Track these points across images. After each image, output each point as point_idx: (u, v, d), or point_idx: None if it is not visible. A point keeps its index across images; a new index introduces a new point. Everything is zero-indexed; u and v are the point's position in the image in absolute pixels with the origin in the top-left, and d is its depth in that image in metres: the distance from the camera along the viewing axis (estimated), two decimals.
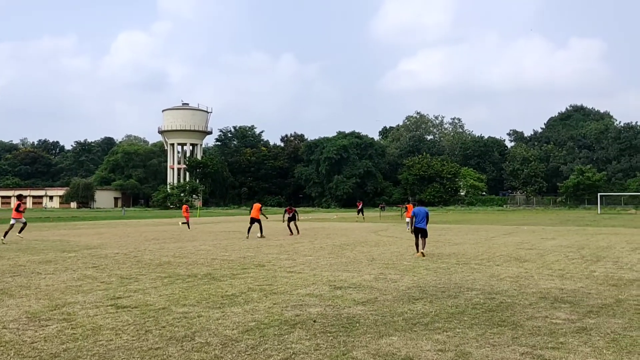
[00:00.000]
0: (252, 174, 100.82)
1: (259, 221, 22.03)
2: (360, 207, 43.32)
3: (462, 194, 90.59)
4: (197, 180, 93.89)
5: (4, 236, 19.22)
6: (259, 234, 22.36)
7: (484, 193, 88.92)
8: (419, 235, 14.96)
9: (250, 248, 17.57)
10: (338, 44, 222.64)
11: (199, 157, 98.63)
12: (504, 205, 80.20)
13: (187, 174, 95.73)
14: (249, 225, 22.56)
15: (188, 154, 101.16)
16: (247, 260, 13.96)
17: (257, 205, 22.26)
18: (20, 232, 20.66)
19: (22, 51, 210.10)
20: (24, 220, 19.96)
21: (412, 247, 17.28)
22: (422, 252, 14.73)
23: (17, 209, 19.83)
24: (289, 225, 24.17)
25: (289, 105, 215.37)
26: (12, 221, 19.89)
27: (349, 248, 17.48)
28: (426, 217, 14.93)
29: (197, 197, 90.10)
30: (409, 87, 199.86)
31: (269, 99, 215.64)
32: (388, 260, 14.11)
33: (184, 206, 26.03)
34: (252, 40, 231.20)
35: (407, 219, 25.14)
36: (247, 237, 21.79)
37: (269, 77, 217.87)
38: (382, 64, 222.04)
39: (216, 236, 23.43)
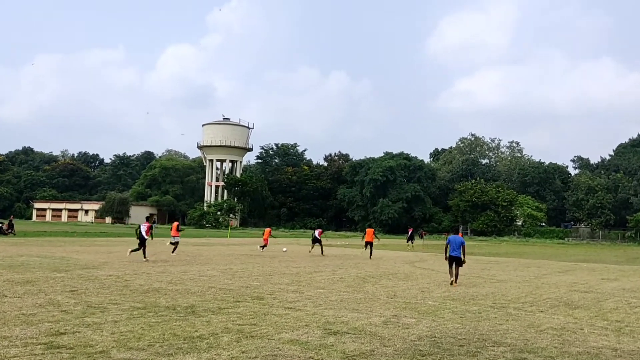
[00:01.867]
0: (292, 194, 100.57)
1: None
2: (410, 233, 42.23)
3: (518, 223, 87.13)
4: (235, 199, 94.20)
5: None
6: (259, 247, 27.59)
7: (543, 224, 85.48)
8: (453, 264, 15.76)
9: (261, 276, 16.62)
10: (391, 61, 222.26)
11: (238, 174, 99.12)
12: (565, 239, 76.64)
13: (225, 191, 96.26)
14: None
15: (227, 171, 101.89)
16: (248, 291, 12.97)
17: (267, 230, 27.48)
18: None
19: (69, 63, 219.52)
20: None
21: (445, 282, 16.52)
22: (454, 282, 15.64)
23: None
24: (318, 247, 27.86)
25: (335, 124, 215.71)
26: None
27: (373, 281, 16.38)
28: (461, 246, 15.70)
29: (233, 217, 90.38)
30: (463, 108, 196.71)
31: (314, 117, 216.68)
32: (411, 298, 12.84)
33: (175, 223, 25.23)
34: (302, 55, 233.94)
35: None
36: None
37: (316, 94, 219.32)
38: (436, 83, 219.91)
39: (233, 260, 22.91)
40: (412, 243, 41.39)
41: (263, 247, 28.47)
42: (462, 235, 16.27)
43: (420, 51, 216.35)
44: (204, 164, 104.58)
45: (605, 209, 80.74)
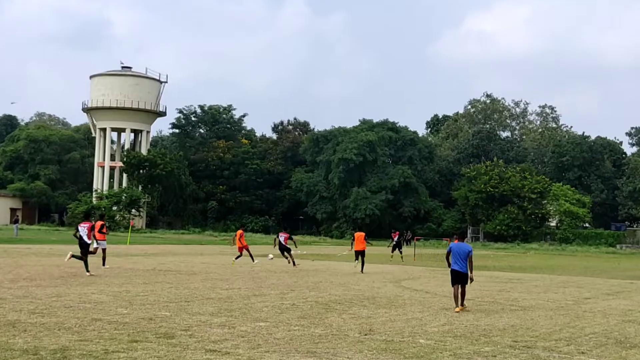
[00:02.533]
0: (225, 180, 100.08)
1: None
2: (396, 239, 42.68)
3: (552, 224, 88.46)
4: (140, 187, 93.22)
5: None
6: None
7: (586, 225, 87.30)
8: (457, 282, 16.68)
9: (173, 302, 16.43)
10: None
11: (143, 150, 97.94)
12: (618, 246, 78.55)
13: (125, 176, 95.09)
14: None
15: (127, 146, 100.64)
16: (152, 325, 12.75)
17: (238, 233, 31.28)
18: None
19: None
20: None
21: (444, 310, 16.66)
22: (461, 307, 16.48)
23: None
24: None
25: (290, 77, 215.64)
26: None
27: (339, 309, 16.37)
28: (467, 258, 16.68)
29: (137, 214, 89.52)
30: (476, 57, 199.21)
31: (259, 67, 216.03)
32: (395, 334, 12.84)
33: (98, 223, 25.17)
34: None
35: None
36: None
37: (262, 34, 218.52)
38: (438, 20, 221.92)
39: (133, 278, 22.73)
40: (401, 253, 41.83)
41: (237, 257, 31.69)
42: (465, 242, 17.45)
43: None
44: (93, 135, 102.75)
45: None
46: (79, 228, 23.06)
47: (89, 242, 22.97)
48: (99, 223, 25.91)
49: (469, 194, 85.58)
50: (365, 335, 12.58)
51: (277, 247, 31.71)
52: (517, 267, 37.96)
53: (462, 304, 16.69)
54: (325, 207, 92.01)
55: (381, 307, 16.90)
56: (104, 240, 25.71)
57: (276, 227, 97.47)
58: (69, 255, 23.39)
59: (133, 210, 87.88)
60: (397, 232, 44.95)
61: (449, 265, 17.09)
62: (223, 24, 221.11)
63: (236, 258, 31.67)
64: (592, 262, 48.10)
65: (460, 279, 16.75)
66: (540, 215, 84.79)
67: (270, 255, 34.91)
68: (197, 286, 20.56)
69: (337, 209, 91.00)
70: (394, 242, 42.74)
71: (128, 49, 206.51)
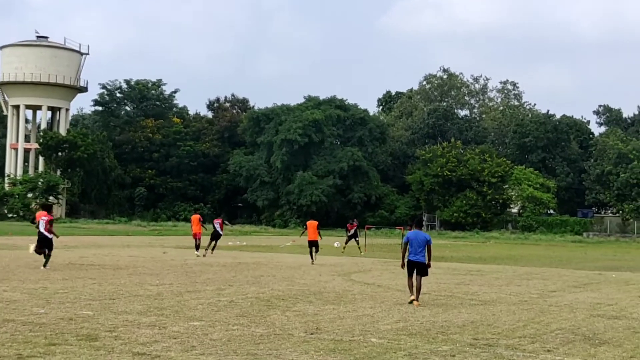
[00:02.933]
0: (155, 163, 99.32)
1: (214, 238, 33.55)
2: (354, 230, 42.47)
3: (513, 211, 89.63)
4: (59, 172, 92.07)
5: None
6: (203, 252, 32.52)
7: (551, 211, 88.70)
8: (414, 272, 16.99)
9: (97, 300, 16.28)
10: None
11: (62, 131, 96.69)
12: (585, 234, 80.00)
13: (42, 159, 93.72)
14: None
15: (44, 126, 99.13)
16: (72, 326, 12.60)
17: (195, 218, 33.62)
18: None
19: None
20: None
21: (398, 305, 16.77)
22: (415, 300, 16.80)
23: None
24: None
25: (228, 49, 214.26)
26: None
27: (282, 305, 16.34)
28: (426, 246, 17.05)
29: (56, 201, 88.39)
30: (432, 28, 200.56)
31: (194, 37, 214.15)
32: (344, 333, 12.84)
33: (39, 213, 25.60)
34: None
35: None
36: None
37: (196, 1, 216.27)
38: None
39: (52, 273, 22.39)
40: (358, 243, 41.62)
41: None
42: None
43: None
44: (4, 113, 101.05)
45: None
46: (39, 220, 23.79)
47: (50, 236, 23.64)
48: (45, 216, 25.18)
49: (424, 178, 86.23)
50: (312, 334, 12.54)
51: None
52: (476, 258, 38.42)
53: (417, 299, 16.93)
54: (266, 194, 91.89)
55: (329, 303, 16.88)
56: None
57: (212, 216, 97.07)
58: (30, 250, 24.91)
59: (51, 197, 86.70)
60: (356, 223, 44.66)
61: (403, 257, 17.44)
62: None
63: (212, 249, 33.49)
64: (558, 252, 48.93)
65: (417, 269, 17.01)
66: (501, 201, 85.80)
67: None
68: (124, 282, 20.33)
69: (280, 196, 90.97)
70: (351, 233, 42.35)
71: (45, 16, 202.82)
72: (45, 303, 15.43)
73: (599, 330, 13.98)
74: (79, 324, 12.85)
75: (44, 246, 23.63)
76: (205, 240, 33.74)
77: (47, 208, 25.92)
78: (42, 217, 23.71)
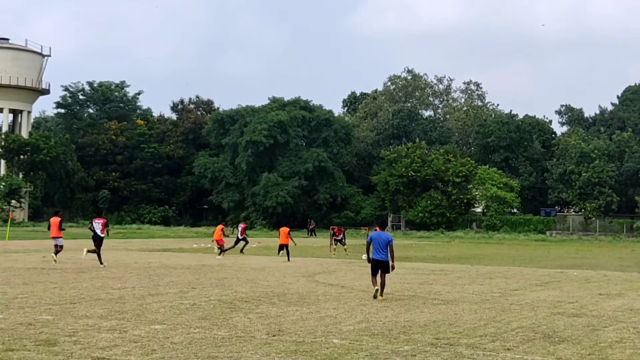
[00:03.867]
0: (119, 166, 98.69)
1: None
2: (341, 236, 42.69)
3: (477, 210, 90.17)
4: (21, 175, 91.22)
5: None
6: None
7: (514, 210, 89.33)
8: (379, 271, 18.12)
9: (57, 304, 16.16)
10: None
11: (24, 133, 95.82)
12: (547, 232, 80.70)
13: (3, 162, 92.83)
14: None
15: (5, 129, 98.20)
16: (31, 331, 12.54)
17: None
18: None
19: None
20: None
21: (361, 306, 16.87)
22: (379, 294, 17.97)
23: None
24: None
25: (192, 50, 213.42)
26: None
27: (245, 307, 16.34)
28: (388, 246, 18.11)
29: (18, 205, 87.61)
30: (396, 28, 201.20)
31: (157, 38, 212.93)
32: (307, 334, 12.86)
33: (55, 220, 28.70)
34: None
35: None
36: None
37: (161, 1, 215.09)
38: None
39: (12, 277, 22.19)
40: (344, 245, 41.58)
41: (224, 250, 35.81)
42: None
43: None
44: None
45: (606, 186, 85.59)
46: (94, 223, 28.27)
47: (102, 235, 27.81)
48: (58, 219, 28.70)
49: (389, 178, 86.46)
50: (274, 336, 12.55)
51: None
52: (440, 258, 38.60)
53: (381, 294, 18.05)
54: (232, 195, 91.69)
55: (292, 305, 16.91)
56: (61, 237, 28.59)
57: (177, 218, 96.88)
58: (85, 252, 28.18)
59: (13, 201, 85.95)
60: (343, 229, 44.99)
61: (368, 257, 18.75)
62: None
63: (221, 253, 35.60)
64: (521, 251, 49.27)
65: (380, 267, 18.12)
66: (465, 201, 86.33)
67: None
68: (85, 286, 20.18)
69: (246, 197, 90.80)
70: (336, 237, 42.46)
71: (6, 17, 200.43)
72: (5, 308, 15.26)
73: (558, 328, 14.11)
74: (38, 328, 12.73)
75: (98, 245, 27.55)
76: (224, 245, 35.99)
77: (100, 214, 31.43)
78: (96, 221, 28.24)
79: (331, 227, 48.46)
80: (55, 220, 28.60)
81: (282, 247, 33.81)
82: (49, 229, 29.01)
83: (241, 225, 40.81)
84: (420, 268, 30.03)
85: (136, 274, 24.42)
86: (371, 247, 18.45)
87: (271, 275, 24.84)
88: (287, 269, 27.78)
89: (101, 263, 26.90)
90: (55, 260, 27.55)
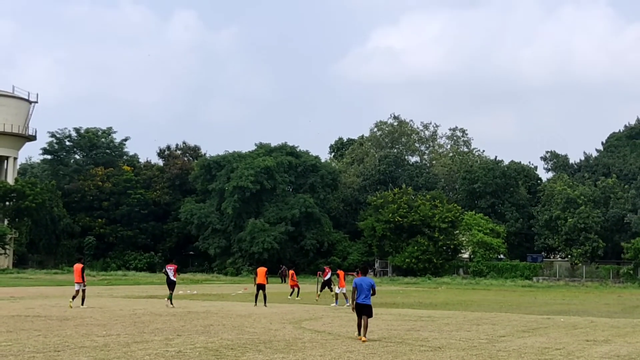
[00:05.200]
0: (105, 212, 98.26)
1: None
2: (326, 277, 41.89)
3: (464, 256, 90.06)
4: (6, 222, 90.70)
5: None
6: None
7: (501, 256, 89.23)
8: (362, 315, 19.34)
9: (41, 352, 16.04)
10: None
11: (10, 180, 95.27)
12: (534, 278, 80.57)
13: None
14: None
15: None
16: None
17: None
18: None
19: None
20: None
21: (348, 353, 16.93)
22: (363, 336, 19.19)
23: None
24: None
25: (180, 96, 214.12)
26: None
27: (231, 355, 16.39)
28: (371, 289, 19.58)
29: (3, 252, 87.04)
30: (383, 76, 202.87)
31: (145, 84, 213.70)
32: None
33: (78, 266, 31.46)
34: None
35: (339, 290, 35.62)
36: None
37: (149, 48, 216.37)
38: (342, 36, 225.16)
39: None
40: (331, 290, 40.48)
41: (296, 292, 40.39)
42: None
43: None
44: None
45: (592, 232, 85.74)
46: (167, 269, 32.69)
47: (174, 279, 32.37)
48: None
49: (376, 224, 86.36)
50: None
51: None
52: (427, 304, 38.48)
53: (364, 335, 19.36)
54: (218, 241, 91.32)
55: (278, 352, 16.84)
56: (82, 282, 31.15)
57: (163, 265, 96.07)
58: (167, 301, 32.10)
59: None
60: (328, 268, 44.07)
61: (353, 304, 20.16)
62: (103, 36, 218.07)
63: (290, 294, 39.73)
64: (508, 297, 49.18)
65: (364, 311, 19.46)
66: (452, 246, 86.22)
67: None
68: (70, 333, 20.03)
69: (232, 243, 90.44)
70: (324, 280, 41.53)
71: None
72: None
73: None
74: None
75: (171, 288, 32.14)
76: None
77: (171, 260, 35.14)
78: (169, 267, 32.58)
79: (325, 267, 47.35)
80: (77, 267, 31.49)
81: (259, 287, 33.19)
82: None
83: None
84: (407, 314, 29.94)
85: (121, 321, 24.24)
86: (356, 291, 19.62)
87: (257, 322, 24.69)
88: (274, 316, 27.63)
89: (171, 304, 31.35)
90: (71, 306, 29.51)
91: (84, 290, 31.10)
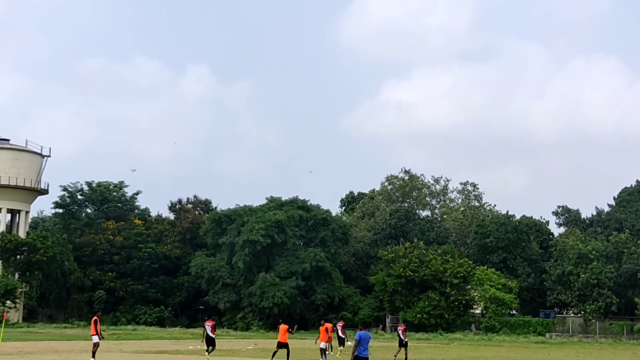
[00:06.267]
0: (115, 266, 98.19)
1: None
2: (339, 330, 44.23)
3: (476, 311, 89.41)
4: (17, 275, 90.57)
5: None
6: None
7: (513, 312, 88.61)
8: None
9: None
10: (283, 52, 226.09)
11: (22, 233, 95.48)
12: (547, 334, 79.86)
13: (0, 262, 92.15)
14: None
15: (3, 228, 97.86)
16: None
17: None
18: None
19: None
20: None
21: None
22: None
23: None
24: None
25: (190, 152, 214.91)
26: None
27: None
28: (369, 341, 21.47)
29: (13, 305, 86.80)
30: (393, 130, 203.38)
31: (156, 138, 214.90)
32: None
33: (95, 319, 32.59)
34: (139, 37, 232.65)
35: (322, 345, 35.77)
36: None
37: (161, 102, 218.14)
38: (352, 90, 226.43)
39: None
40: (342, 346, 41.93)
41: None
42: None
43: (328, 37, 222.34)
44: None
45: (605, 287, 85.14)
46: (205, 325, 34.78)
47: (212, 336, 34.33)
48: (95, 319, 32.23)
49: (387, 278, 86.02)
50: None
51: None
52: None
53: None
54: (228, 296, 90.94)
55: None
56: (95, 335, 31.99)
57: (173, 319, 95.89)
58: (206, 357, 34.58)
59: (8, 301, 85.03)
60: (342, 322, 45.74)
61: (353, 353, 21.39)
62: (116, 90, 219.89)
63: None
64: (521, 353, 48.73)
65: None
66: (464, 302, 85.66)
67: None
68: None
69: (242, 298, 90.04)
70: (338, 335, 43.32)
71: (8, 118, 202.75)
72: None
73: None
74: None
75: (211, 344, 34.35)
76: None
77: (210, 317, 37.74)
78: (207, 324, 34.68)
79: (338, 323, 48.21)
80: (95, 319, 32.67)
81: (280, 345, 33.17)
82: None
83: (339, 324, 43.91)
84: None
85: None
86: (358, 345, 21.24)
87: None
88: None
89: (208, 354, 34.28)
90: None
91: (95, 343, 31.75)
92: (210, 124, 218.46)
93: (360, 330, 21.59)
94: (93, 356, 30.82)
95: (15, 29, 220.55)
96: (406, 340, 38.62)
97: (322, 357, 34.86)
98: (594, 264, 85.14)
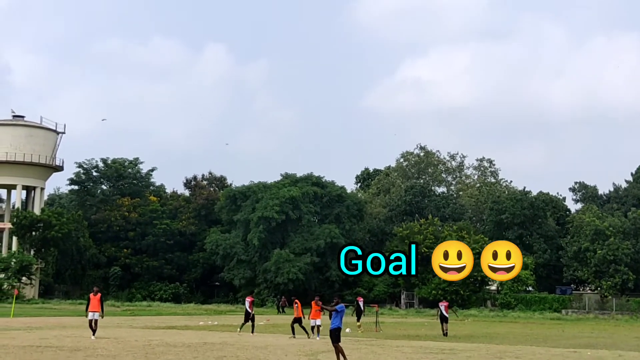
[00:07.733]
0: (130, 242, 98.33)
1: None
2: (357, 305, 44.80)
3: (492, 288, 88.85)
4: (33, 252, 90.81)
5: None
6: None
7: (529, 288, 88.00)
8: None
9: None
10: (300, 32, 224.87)
11: (37, 210, 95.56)
12: (563, 311, 79.25)
13: (15, 239, 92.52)
14: None
15: (18, 205, 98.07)
16: None
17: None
18: None
19: None
20: None
21: None
22: None
23: None
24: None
25: (205, 129, 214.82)
26: None
27: None
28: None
29: (29, 281, 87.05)
30: (409, 107, 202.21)
31: (173, 116, 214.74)
32: None
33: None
34: (156, 17, 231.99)
35: (314, 322, 33.95)
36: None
37: (178, 81, 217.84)
38: (368, 68, 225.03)
39: (4, 356, 21.98)
40: (358, 321, 42.37)
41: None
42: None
43: (345, 16, 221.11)
44: None
45: (622, 264, 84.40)
46: (245, 301, 35.74)
47: (250, 311, 34.82)
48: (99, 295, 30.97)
49: (402, 255, 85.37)
50: None
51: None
52: (452, 336, 37.66)
53: None
54: (243, 272, 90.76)
55: None
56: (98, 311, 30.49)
57: (188, 295, 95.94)
58: (239, 330, 35.43)
59: (24, 278, 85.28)
60: (361, 297, 46.64)
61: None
62: (135, 68, 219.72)
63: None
64: (535, 330, 48.17)
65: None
66: (479, 278, 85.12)
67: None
68: None
69: (257, 274, 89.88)
70: (356, 308, 44.40)
71: (26, 96, 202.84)
72: None
73: None
74: None
75: (248, 319, 34.90)
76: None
77: (252, 292, 41.55)
78: (247, 300, 35.46)
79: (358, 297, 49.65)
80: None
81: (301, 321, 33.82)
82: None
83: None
84: (429, 347, 29.12)
85: (133, 352, 23.69)
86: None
87: (272, 354, 24.02)
88: (290, 347, 26.94)
89: (240, 330, 35.13)
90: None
91: (96, 321, 30.42)
92: (227, 103, 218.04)
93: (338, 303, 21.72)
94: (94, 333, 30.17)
95: (32, 9, 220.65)
96: (447, 315, 39.39)
97: (313, 333, 34.03)
98: (610, 240, 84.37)
